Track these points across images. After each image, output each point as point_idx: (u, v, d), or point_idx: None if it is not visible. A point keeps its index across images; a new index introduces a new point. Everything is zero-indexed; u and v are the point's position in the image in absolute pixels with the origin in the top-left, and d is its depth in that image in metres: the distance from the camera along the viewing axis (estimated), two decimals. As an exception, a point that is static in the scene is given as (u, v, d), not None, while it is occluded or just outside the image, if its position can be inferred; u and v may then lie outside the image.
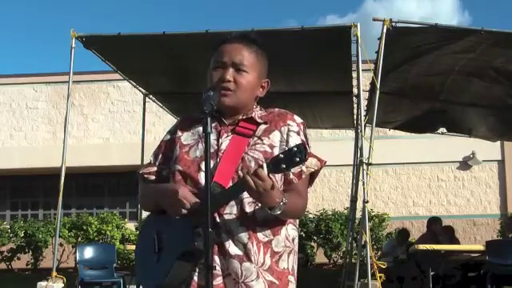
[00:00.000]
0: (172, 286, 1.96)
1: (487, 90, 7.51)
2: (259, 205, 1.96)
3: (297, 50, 6.56)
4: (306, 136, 2.11)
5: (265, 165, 1.86)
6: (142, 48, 6.95)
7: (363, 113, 7.45)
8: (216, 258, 1.96)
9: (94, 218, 13.06)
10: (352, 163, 10.01)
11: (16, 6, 34.12)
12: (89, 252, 9.21)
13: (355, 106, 8.78)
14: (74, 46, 6.76)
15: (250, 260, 1.97)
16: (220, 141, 2.06)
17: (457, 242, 9.48)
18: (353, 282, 6.38)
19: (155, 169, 2.16)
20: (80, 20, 34.43)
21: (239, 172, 1.99)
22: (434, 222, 9.38)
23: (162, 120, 13.92)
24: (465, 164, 15.12)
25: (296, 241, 2.11)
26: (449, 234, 9.41)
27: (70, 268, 12.02)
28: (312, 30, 6.36)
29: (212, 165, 1.95)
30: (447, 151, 14.17)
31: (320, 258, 13.29)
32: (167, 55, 7.05)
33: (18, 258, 13.05)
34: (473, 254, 8.21)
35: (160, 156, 2.17)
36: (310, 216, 13.04)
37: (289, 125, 2.09)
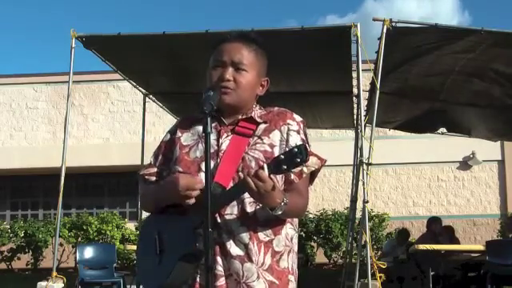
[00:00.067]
0: (174, 287, 1.96)
1: (487, 90, 7.50)
2: (260, 205, 1.97)
3: (297, 50, 6.56)
4: (305, 134, 2.11)
5: (265, 166, 1.86)
6: (142, 48, 6.95)
7: (363, 113, 7.45)
8: (218, 259, 1.96)
9: (93, 218, 13.06)
10: (352, 163, 10.01)
11: (16, 6, 34.15)
12: (89, 252, 9.21)
13: (355, 105, 8.78)
14: (73, 45, 6.76)
15: (250, 260, 1.97)
16: (220, 141, 2.05)
17: (457, 241, 9.48)
18: (353, 282, 6.38)
19: (156, 170, 2.16)
20: (80, 20, 34.47)
21: (240, 173, 1.98)
22: (433, 221, 9.39)
23: (162, 120, 13.92)
24: (465, 164, 15.12)
25: (294, 240, 2.11)
26: (449, 234, 9.41)
27: (70, 268, 12.02)
28: (312, 30, 6.36)
29: (212, 165, 1.95)
30: (447, 151, 14.17)
31: (320, 258, 13.29)
32: (167, 55, 7.05)
33: (18, 258, 13.05)
34: (473, 254, 8.21)
35: (160, 157, 2.17)
36: (310, 216, 13.03)
37: (288, 124, 2.09)
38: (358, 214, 7.48)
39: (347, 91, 8.11)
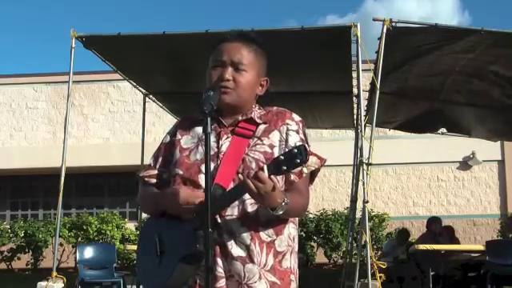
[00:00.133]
0: None
1: (487, 90, 7.50)
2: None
3: (297, 50, 6.55)
4: (305, 134, 2.11)
5: (265, 167, 1.85)
6: (142, 48, 6.95)
7: (363, 113, 7.45)
8: (218, 260, 1.95)
9: (93, 218, 13.06)
10: (352, 163, 10.01)
11: (16, 6, 34.15)
12: (89, 252, 9.21)
13: (355, 105, 8.78)
14: (73, 45, 6.76)
15: (252, 261, 1.97)
16: (220, 142, 2.05)
17: (457, 241, 9.48)
18: (353, 282, 6.38)
19: (156, 172, 2.15)
20: (80, 20, 34.46)
21: (240, 175, 1.98)
22: (433, 221, 9.39)
23: (162, 120, 13.92)
24: (465, 164, 15.12)
25: (296, 240, 2.12)
26: (449, 234, 9.41)
27: (70, 268, 12.02)
28: (312, 30, 6.36)
29: (212, 167, 1.95)
30: (447, 151, 14.17)
31: (320, 258, 13.29)
32: (167, 55, 7.05)
33: (18, 258, 13.05)
34: (473, 254, 8.21)
35: (160, 159, 2.16)
36: (310, 216, 13.04)
37: (287, 124, 2.09)
38: (358, 214, 7.48)
39: (347, 91, 8.11)
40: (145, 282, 2.09)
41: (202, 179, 1.99)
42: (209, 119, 1.89)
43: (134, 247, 9.43)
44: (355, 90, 7.95)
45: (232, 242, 1.97)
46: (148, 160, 2.24)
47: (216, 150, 2.03)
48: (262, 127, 2.08)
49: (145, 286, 2.11)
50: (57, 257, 7.75)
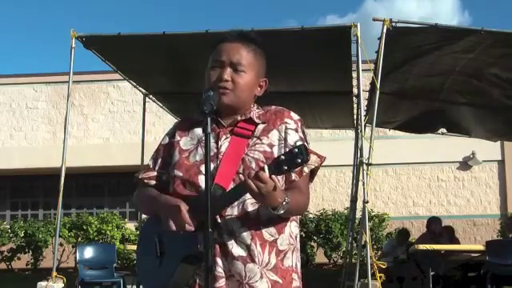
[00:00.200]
0: None
1: (487, 90, 7.50)
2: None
3: (297, 49, 6.56)
4: (303, 132, 2.11)
5: (266, 167, 1.85)
6: (142, 48, 6.95)
7: (363, 113, 7.45)
8: (218, 260, 1.95)
9: (93, 218, 13.07)
10: (352, 163, 10.01)
11: (16, 6, 34.15)
12: (89, 252, 9.21)
13: (355, 106, 8.77)
14: (73, 45, 6.76)
15: (253, 261, 1.97)
16: (219, 143, 2.05)
17: (457, 242, 9.47)
18: (353, 282, 6.38)
19: (155, 174, 2.15)
20: (80, 20, 34.46)
21: (241, 175, 1.98)
22: (433, 221, 9.39)
23: (162, 120, 13.92)
24: (465, 164, 15.12)
25: (298, 238, 2.11)
26: (449, 234, 9.41)
27: (70, 268, 12.02)
28: (312, 30, 6.36)
29: (212, 167, 1.95)
30: (447, 151, 14.17)
31: (320, 257, 13.29)
32: (167, 55, 7.05)
33: (18, 258, 13.06)
34: (473, 254, 8.21)
35: (159, 161, 2.16)
36: (310, 216, 13.04)
37: (286, 123, 2.09)
38: (358, 214, 7.48)
39: (347, 91, 8.11)
40: (145, 282, 2.09)
41: (201, 180, 1.98)
42: (209, 119, 1.89)
43: (134, 247, 9.42)
44: (355, 90, 7.95)
45: (232, 241, 1.96)
46: (148, 160, 2.24)
47: (215, 150, 2.03)
48: (260, 127, 2.08)
49: (145, 287, 2.11)
50: (57, 257, 7.75)
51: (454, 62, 6.79)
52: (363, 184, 6.07)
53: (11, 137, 15.92)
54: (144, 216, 8.19)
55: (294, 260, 2.06)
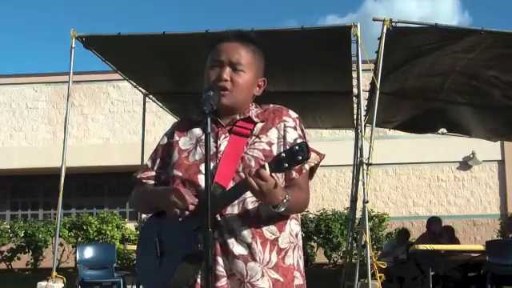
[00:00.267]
0: None
1: (487, 91, 7.50)
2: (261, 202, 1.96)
3: (297, 50, 6.55)
4: (302, 130, 2.12)
5: (267, 165, 1.85)
6: (142, 48, 6.95)
7: (363, 113, 7.45)
8: (219, 259, 1.95)
9: (93, 218, 13.06)
10: (352, 163, 10.01)
11: (16, 6, 34.14)
12: (89, 252, 9.21)
13: (355, 106, 8.77)
14: (73, 45, 6.76)
15: (254, 259, 1.97)
16: (218, 142, 2.05)
17: (457, 241, 9.48)
18: (353, 282, 6.37)
19: (154, 173, 2.15)
20: (80, 20, 34.46)
21: (241, 173, 1.98)
22: (433, 221, 9.39)
23: (162, 120, 13.92)
24: (465, 164, 15.12)
25: (299, 236, 2.11)
26: (449, 234, 9.41)
27: (70, 268, 12.02)
28: (312, 30, 6.36)
29: (212, 166, 1.95)
30: (447, 151, 14.17)
31: (320, 258, 13.29)
32: (167, 55, 7.05)
33: (18, 258, 13.05)
34: (473, 254, 8.21)
35: (158, 161, 2.16)
36: (310, 216, 13.03)
37: (285, 121, 2.09)
38: (358, 214, 7.48)
39: (347, 91, 8.11)
40: (145, 282, 2.09)
41: (201, 179, 1.98)
42: (209, 119, 1.89)
43: (134, 247, 9.42)
44: (355, 90, 7.95)
45: (233, 240, 1.96)
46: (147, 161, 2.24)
47: (215, 149, 2.03)
48: (259, 125, 2.09)
49: (145, 286, 2.11)
50: (57, 257, 7.75)
51: (454, 62, 6.79)
52: (363, 184, 6.07)
53: (11, 137, 15.92)
54: (144, 216, 8.20)
55: (295, 258, 2.06)
